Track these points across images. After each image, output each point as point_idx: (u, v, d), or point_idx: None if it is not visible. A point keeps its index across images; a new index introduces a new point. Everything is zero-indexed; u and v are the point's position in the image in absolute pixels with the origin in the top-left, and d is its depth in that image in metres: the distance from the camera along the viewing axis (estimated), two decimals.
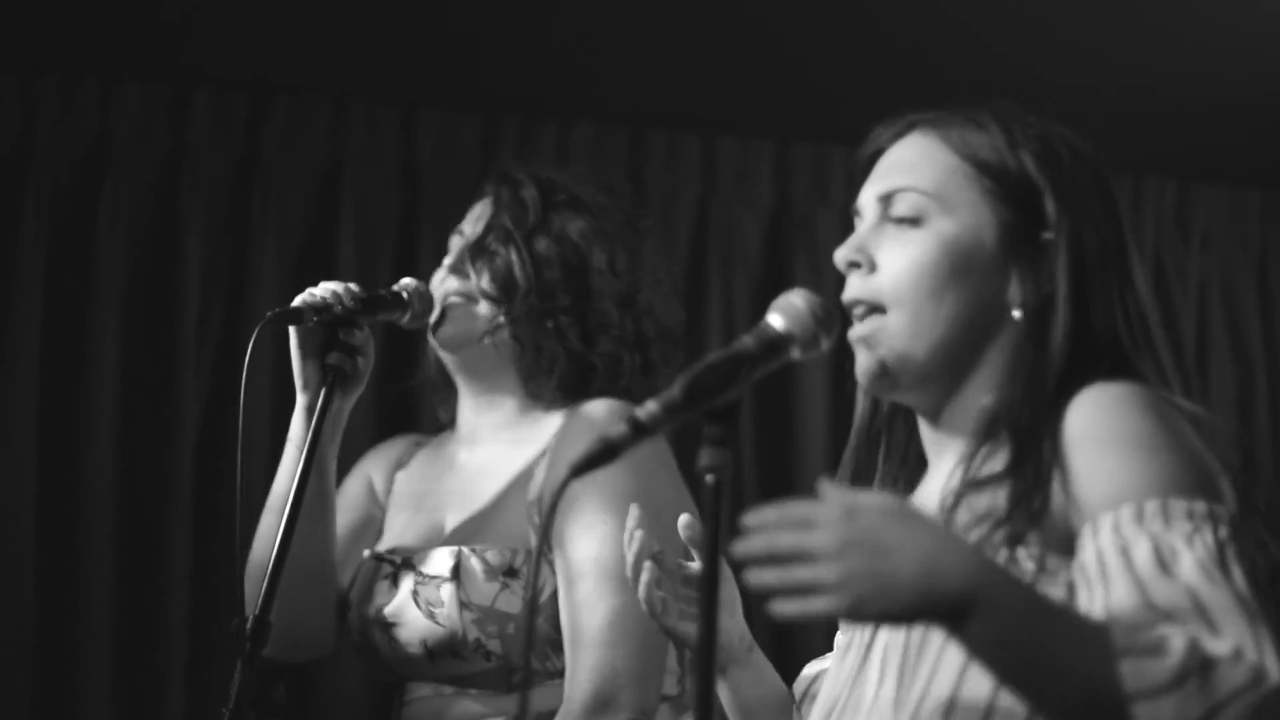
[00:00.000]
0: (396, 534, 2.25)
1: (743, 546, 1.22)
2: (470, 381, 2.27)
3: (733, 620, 1.65)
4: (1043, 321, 1.45)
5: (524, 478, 2.16)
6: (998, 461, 1.43)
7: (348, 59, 3.50)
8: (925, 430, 1.54)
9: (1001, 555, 1.35)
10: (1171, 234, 4.04)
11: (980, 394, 1.47)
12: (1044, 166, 1.48)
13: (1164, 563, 1.28)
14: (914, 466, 1.58)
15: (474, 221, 2.30)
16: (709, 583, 1.35)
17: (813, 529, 1.20)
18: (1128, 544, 1.30)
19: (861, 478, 1.61)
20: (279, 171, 3.56)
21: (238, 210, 3.53)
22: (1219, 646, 1.24)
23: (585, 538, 2.04)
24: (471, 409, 2.28)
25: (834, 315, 1.46)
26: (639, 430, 1.39)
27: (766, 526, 1.22)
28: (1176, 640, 1.23)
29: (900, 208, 1.49)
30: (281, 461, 2.21)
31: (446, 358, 2.28)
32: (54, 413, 3.34)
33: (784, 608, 1.20)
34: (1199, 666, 1.22)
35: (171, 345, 3.41)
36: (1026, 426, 1.39)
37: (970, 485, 1.42)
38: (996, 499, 1.39)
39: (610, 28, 3.40)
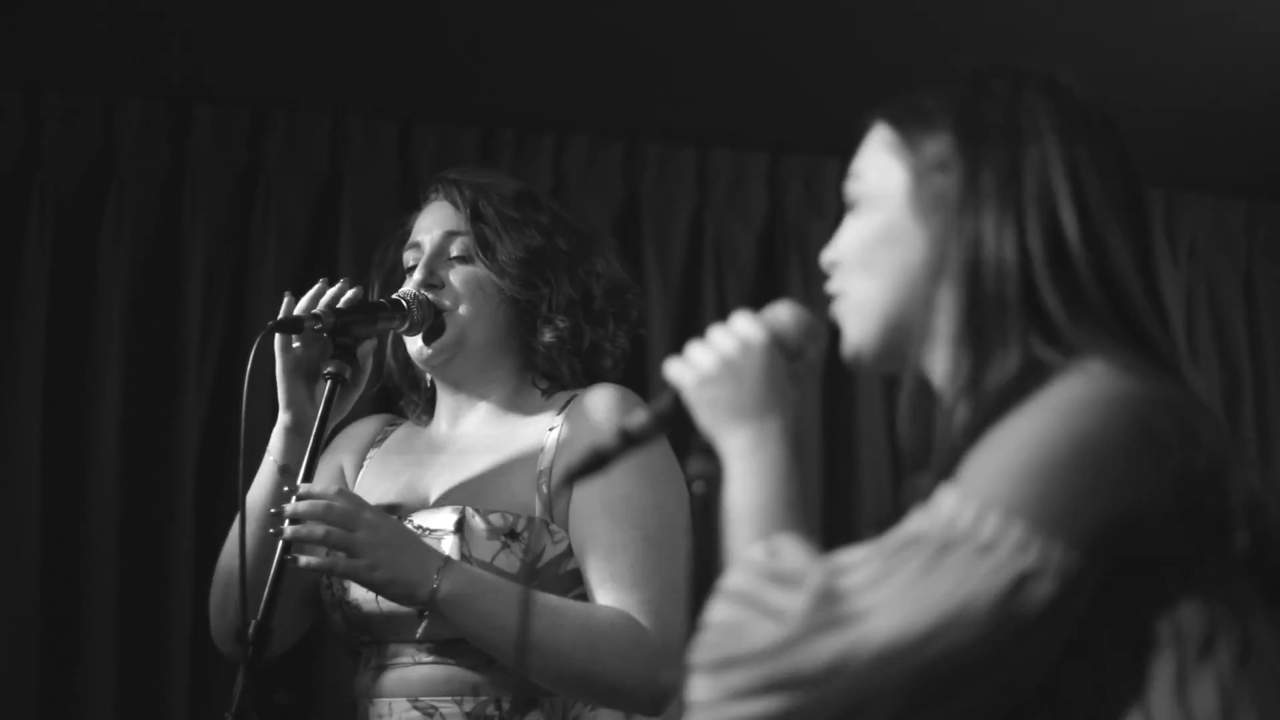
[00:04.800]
0: (375, 500, 2.23)
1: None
2: (452, 383, 2.27)
3: None
4: (974, 270, 1.36)
5: (530, 452, 2.15)
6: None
7: (346, 73, 3.53)
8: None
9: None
10: (1159, 243, 4.08)
11: (944, 352, 1.40)
12: (957, 104, 1.40)
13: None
14: None
15: (438, 232, 2.28)
16: (700, 582, 1.40)
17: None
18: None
19: (918, 452, 1.49)
20: (279, 184, 3.58)
21: (239, 223, 3.56)
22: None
23: (596, 483, 2.06)
24: (452, 405, 2.27)
25: (818, 327, 1.48)
26: (629, 440, 1.43)
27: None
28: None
29: (848, 199, 1.49)
30: (258, 474, 2.21)
31: (425, 365, 2.26)
32: (58, 422, 3.37)
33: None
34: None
35: (174, 356, 3.44)
36: (989, 395, 1.32)
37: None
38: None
39: (605, 43, 3.43)
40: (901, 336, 1.42)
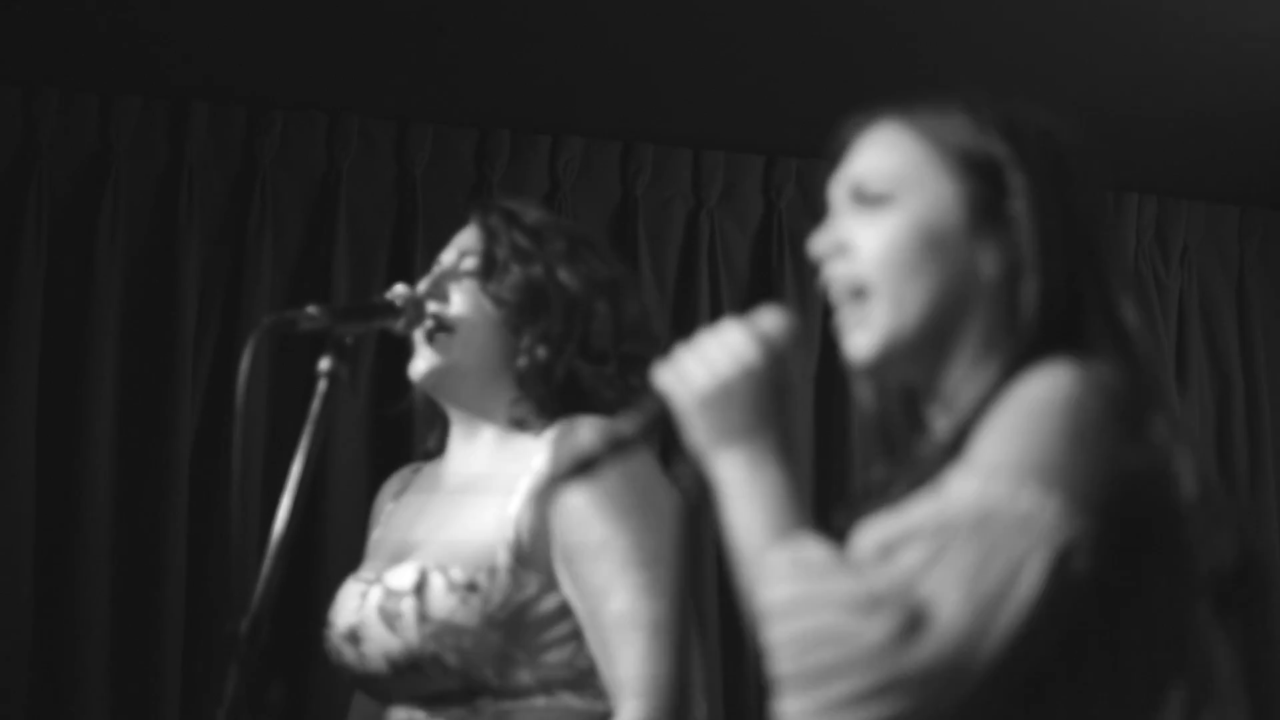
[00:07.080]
0: (379, 562, 2.23)
1: None
2: (454, 407, 2.27)
3: None
4: (1010, 291, 1.46)
5: (502, 496, 2.14)
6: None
7: (343, 74, 3.53)
8: (925, 406, 1.55)
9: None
10: (1151, 249, 4.10)
11: (964, 365, 1.47)
12: (1007, 140, 1.48)
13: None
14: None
15: (455, 250, 2.29)
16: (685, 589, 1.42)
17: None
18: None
19: (874, 462, 1.61)
20: (276, 185, 3.59)
21: (235, 222, 3.56)
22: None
23: (621, 591, 2.03)
24: (460, 435, 2.27)
25: (803, 333, 1.50)
26: (615, 447, 1.45)
27: None
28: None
29: (869, 191, 1.50)
30: None
31: (420, 383, 2.25)
32: (53, 420, 3.38)
33: None
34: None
35: (169, 355, 3.44)
36: (974, 400, 1.40)
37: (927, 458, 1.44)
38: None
39: (601, 45, 3.44)
40: (930, 336, 1.47)
